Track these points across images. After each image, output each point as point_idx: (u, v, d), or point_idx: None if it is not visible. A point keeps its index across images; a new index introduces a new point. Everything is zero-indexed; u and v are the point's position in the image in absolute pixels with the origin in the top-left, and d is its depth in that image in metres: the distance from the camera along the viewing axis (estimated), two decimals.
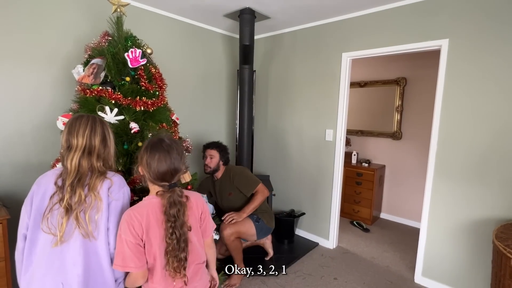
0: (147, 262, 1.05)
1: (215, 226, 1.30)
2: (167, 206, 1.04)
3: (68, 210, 0.99)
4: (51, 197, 1.00)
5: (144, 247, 1.04)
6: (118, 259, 1.01)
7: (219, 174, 2.47)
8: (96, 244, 1.03)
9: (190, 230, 1.10)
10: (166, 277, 1.07)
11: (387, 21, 2.35)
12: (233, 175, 2.40)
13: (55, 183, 1.02)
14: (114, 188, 1.07)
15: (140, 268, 1.02)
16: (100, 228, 1.03)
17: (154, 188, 1.10)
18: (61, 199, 0.99)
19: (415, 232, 3.28)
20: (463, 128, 2.06)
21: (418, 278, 2.35)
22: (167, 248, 1.03)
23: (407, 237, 3.24)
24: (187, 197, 1.12)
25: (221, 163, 2.43)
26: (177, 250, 1.03)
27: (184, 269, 1.06)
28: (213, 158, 2.39)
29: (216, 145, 2.43)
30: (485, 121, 1.97)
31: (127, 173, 1.54)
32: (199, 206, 1.18)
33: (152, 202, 1.07)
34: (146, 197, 1.11)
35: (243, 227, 2.28)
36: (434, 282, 2.28)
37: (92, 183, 1.03)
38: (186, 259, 1.06)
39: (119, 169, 1.50)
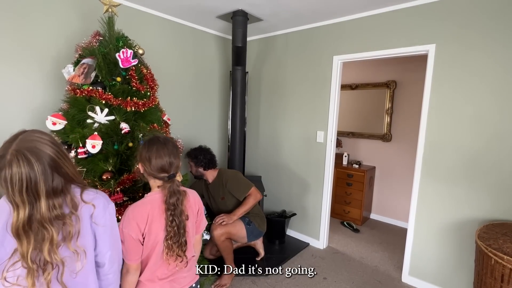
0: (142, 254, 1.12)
1: (206, 223, 1.37)
2: (168, 196, 1.12)
3: (34, 271, 0.77)
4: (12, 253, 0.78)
5: (144, 239, 1.10)
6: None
7: (210, 178, 2.46)
8: (84, 277, 0.90)
9: (188, 220, 1.18)
10: (161, 264, 1.14)
11: (377, 25, 2.40)
12: (226, 180, 2.39)
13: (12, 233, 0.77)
14: (98, 212, 0.90)
15: (137, 261, 1.10)
16: (86, 267, 0.89)
17: (155, 182, 1.17)
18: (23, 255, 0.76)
19: (404, 232, 3.33)
20: (449, 131, 2.12)
21: (405, 277, 2.41)
22: (168, 235, 1.11)
23: (396, 237, 3.30)
24: (185, 191, 1.20)
25: (200, 169, 2.40)
26: (178, 235, 1.12)
27: (185, 252, 1.15)
28: (191, 167, 2.45)
29: (188, 154, 2.44)
30: (470, 125, 2.03)
31: (118, 173, 1.54)
32: (196, 202, 1.26)
33: (155, 198, 1.14)
34: (149, 193, 1.18)
35: (234, 229, 2.29)
36: (420, 281, 2.33)
37: (66, 232, 0.82)
38: (186, 243, 1.15)
39: (109, 169, 1.50)
